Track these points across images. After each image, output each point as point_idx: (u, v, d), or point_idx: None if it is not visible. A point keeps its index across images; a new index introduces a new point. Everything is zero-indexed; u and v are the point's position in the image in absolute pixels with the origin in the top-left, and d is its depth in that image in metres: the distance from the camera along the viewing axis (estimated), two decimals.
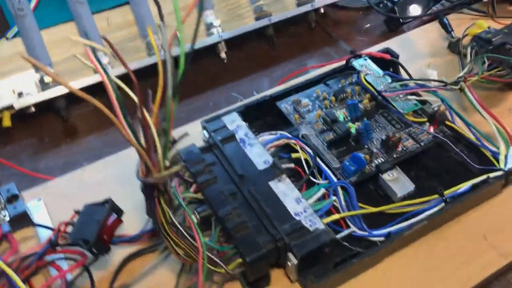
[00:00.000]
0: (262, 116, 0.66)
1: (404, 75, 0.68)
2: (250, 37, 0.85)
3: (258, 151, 0.56)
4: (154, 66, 0.38)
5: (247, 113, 0.63)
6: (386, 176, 0.55)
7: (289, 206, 0.51)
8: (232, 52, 0.83)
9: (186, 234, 0.45)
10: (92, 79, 0.73)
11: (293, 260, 0.48)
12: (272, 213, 0.50)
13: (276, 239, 0.48)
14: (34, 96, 0.71)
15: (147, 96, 0.38)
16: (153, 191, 0.41)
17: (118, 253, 0.54)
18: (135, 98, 0.37)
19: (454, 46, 0.76)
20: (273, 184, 0.53)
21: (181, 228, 0.45)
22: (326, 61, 0.74)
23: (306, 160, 0.59)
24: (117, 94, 0.37)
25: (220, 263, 0.47)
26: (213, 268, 0.47)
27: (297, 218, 0.50)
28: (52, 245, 0.50)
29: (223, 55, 0.81)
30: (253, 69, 0.82)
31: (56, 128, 0.74)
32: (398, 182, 0.55)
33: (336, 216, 0.53)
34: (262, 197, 0.52)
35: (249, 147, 0.57)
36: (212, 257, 0.47)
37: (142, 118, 0.37)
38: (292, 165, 0.59)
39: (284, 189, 0.53)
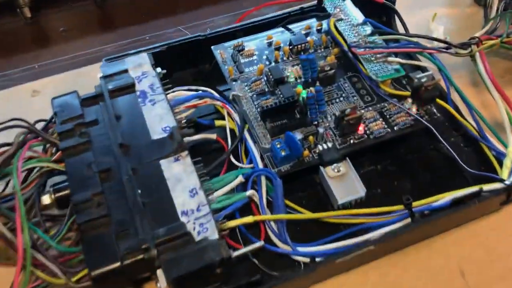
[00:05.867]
0: (194, 63, 0.50)
1: (400, 31, 0.50)
2: None
3: (161, 112, 0.40)
4: None
5: (168, 57, 0.46)
6: (329, 171, 0.38)
7: (177, 200, 0.35)
8: None
9: None
10: None
11: (161, 284, 0.33)
12: (150, 208, 0.35)
13: (143, 248, 0.33)
14: None
15: None
16: None
17: None
18: None
19: None
20: (165, 164, 0.37)
21: None
22: None
23: (233, 130, 0.43)
24: None
25: (56, 270, 0.33)
26: (45, 277, 0.33)
27: (182, 219, 0.34)
28: None
29: None
30: (215, 1, 0.64)
31: None
32: (344, 182, 0.38)
33: (248, 219, 0.37)
34: (143, 182, 0.36)
35: (149, 105, 0.41)
36: (43, 259, 0.32)
37: None
38: (214, 136, 0.43)
39: (179, 173, 0.37)
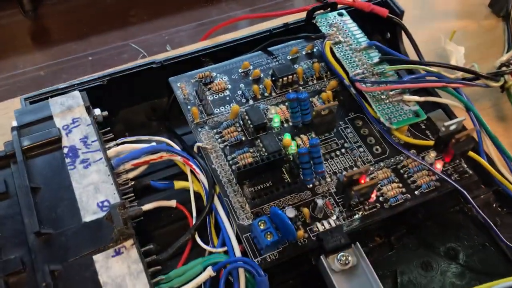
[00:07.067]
0: (146, 96, 0.38)
1: (408, 49, 0.40)
2: None
3: (97, 179, 0.29)
4: None
5: (112, 92, 0.35)
6: (333, 262, 0.28)
7: None
8: None
9: None
10: None
11: None
12: None
13: None
14: None
15: None
16: None
17: None
18: None
19: (499, 5, 0.47)
20: (101, 261, 0.26)
21: None
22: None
23: (199, 194, 0.32)
24: None
25: None
26: None
27: None
28: None
29: None
30: (176, 7, 0.52)
31: None
32: (354, 280, 0.27)
33: None
34: None
35: (81, 168, 0.29)
36: None
37: None
38: (173, 203, 0.32)
39: (120, 275, 0.26)
